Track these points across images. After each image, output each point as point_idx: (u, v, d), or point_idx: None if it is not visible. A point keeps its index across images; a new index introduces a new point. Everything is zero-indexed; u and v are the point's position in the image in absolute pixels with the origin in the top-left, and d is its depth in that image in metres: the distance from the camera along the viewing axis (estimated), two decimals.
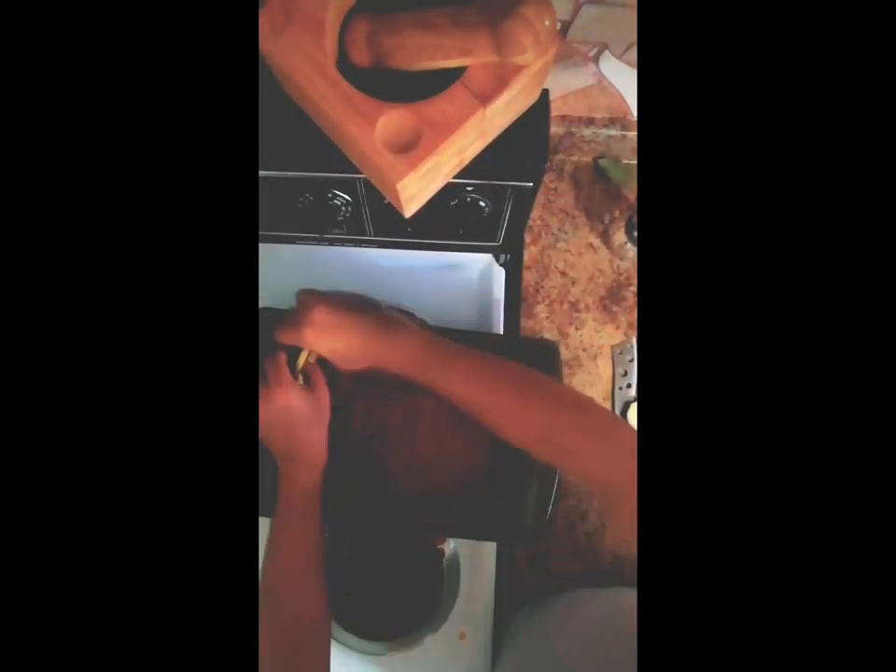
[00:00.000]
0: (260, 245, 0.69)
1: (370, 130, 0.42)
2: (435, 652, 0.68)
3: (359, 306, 0.56)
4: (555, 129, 0.76)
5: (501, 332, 0.75)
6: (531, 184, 0.56)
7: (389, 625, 0.68)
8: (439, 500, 0.66)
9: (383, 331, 0.55)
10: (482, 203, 0.59)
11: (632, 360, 0.76)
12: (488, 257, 0.77)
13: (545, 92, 0.51)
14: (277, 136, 0.49)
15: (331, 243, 0.72)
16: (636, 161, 0.80)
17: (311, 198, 0.59)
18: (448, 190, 0.53)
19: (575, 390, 0.62)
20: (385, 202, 0.50)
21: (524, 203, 0.60)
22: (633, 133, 0.77)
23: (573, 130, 0.77)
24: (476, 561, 0.70)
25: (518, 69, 0.43)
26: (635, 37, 0.63)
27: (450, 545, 0.70)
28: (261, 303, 0.63)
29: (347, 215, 0.62)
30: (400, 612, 0.69)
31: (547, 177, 0.82)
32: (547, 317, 0.79)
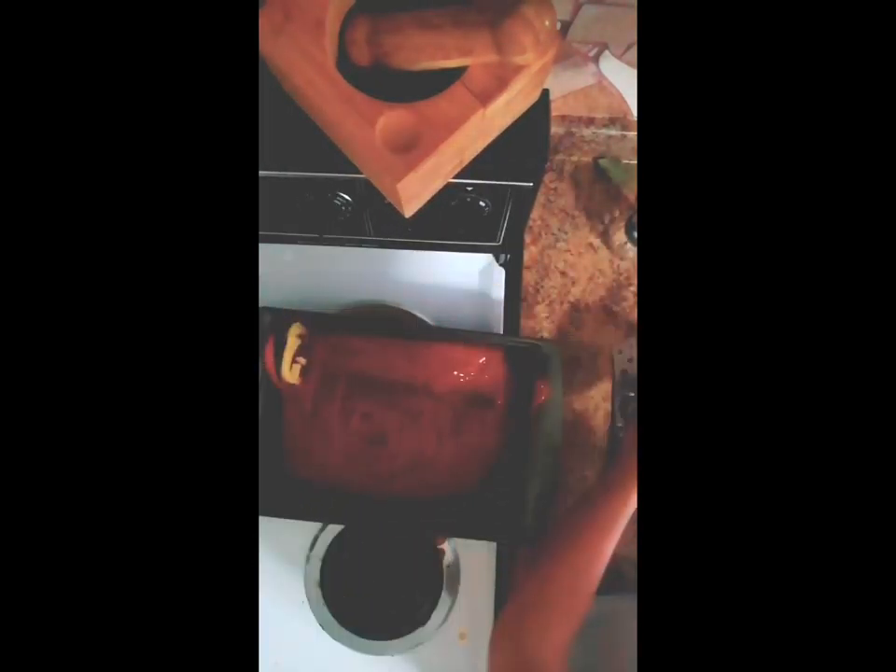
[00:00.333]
0: (260, 245, 0.69)
1: (370, 130, 0.42)
2: (435, 652, 0.68)
3: None
4: (555, 129, 0.76)
5: (501, 332, 0.75)
6: (531, 184, 0.56)
7: (389, 625, 0.68)
8: (439, 500, 0.66)
9: None
10: (482, 203, 0.59)
11: (632, 360, 0.76)
12: (488, 257, 0.77)
13: (545, 92, 0.51)
14: (277, 136, 0.49)
15: (331, 243, 0.72)
16: (636, 161, 0.80)
17: (311, 198, 0.59)
18: (448, 190, 0.53)
19: None
20: (385, 202, 0.50)
21: (524, 203, 0.60)
22: (633, 133, 0.77)
23: (573, 130, 0.77)
24: (476, 561, 0.70)
25: (518, 69, 0.43)
26: (635, 37, 0.63)
27: (450, 545, 0.70)
28: (261, 303, 0.63)
29: (347, 215, 0.62)
30: (400, 612, 0.69)
31: (547, 177, 0.82)
32: (547, 317, 0.79)
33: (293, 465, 0.66)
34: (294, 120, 0.47)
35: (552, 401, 0.66)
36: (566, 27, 0.62)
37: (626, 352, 0.77)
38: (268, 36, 0.42)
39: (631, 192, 0.81)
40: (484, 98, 0.42)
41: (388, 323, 0.72)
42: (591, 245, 0.81)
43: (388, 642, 0.68)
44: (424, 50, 0.43)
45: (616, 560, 0.73)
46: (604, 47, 0.67)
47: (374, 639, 0.68)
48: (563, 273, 0.80)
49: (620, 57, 0.68)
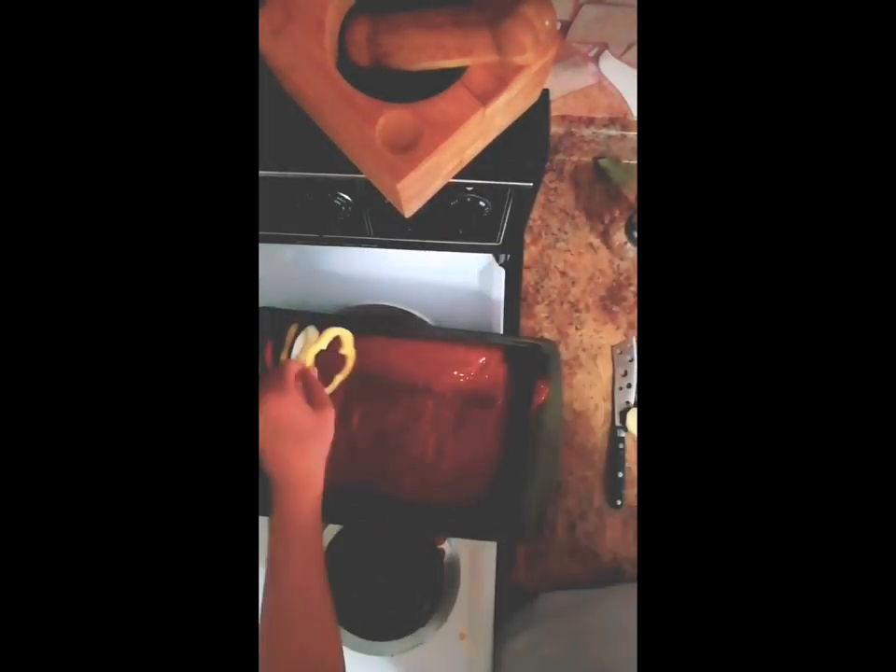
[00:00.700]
0: (260, 245, 0.69)
1: (370, 130, 0.42)
2: (435, 652, 0.68)
3: None
4: (555, 129, 0.76)
5: (501, 332, 0.75)
6: (531, 184, 0.56)
7: (389, 625, 0.68)
8: (439, 500, 0.66)
9: None
10: (482, 203, 0.59)
11: (632, 360, 0.76)
12: (488, 257, 0.77)
13: (545, 92, 0.51)
14: (277, 136, 0.49)
15: (331, 243, 0.72)
16: (636, 161, 0.80)
17: (311, 198, 0.59)
18: (448, 190, 0.53)
19: None
20: (385, 202, 0.50)
21: (524, 203, 0.60)
22: (633, 133, 0.77)
23: (573, 130, 0.77)
24: (476, 561, 0.70)
25: (518, 69, 0.43)
26: (635, 37, 0.63)
27: (450, 545, 0.70)
28: (261, 303, 0.63)
29: (347, 215, 0.62)
30: (400, 612, 0.69)
31: (547, 177, 0.82)
32: (547, 317, 0.79)
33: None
34: (294, 120, 0.47)
35: (552, 401, 0.66)
36: (566, 27, 0.62)
37: (626, 352, 0.77)
38: (268, 36, 0.42)
39: (631, 192, 0.81)
40: (484, 98, 0.42)
41: (388, 323, 0.72)
42: (591, 244, 0.81)
43: (388, 642, 0.68)
44: (424, 50, 0.43)
45: (616, 559, 0.73)
46: (604, 47, 0.67)
47: (374, 639, 0.68)
48: (563, 273, 0.80)
49: (620, 57, 0.68)
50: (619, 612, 0.61)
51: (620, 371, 0.76)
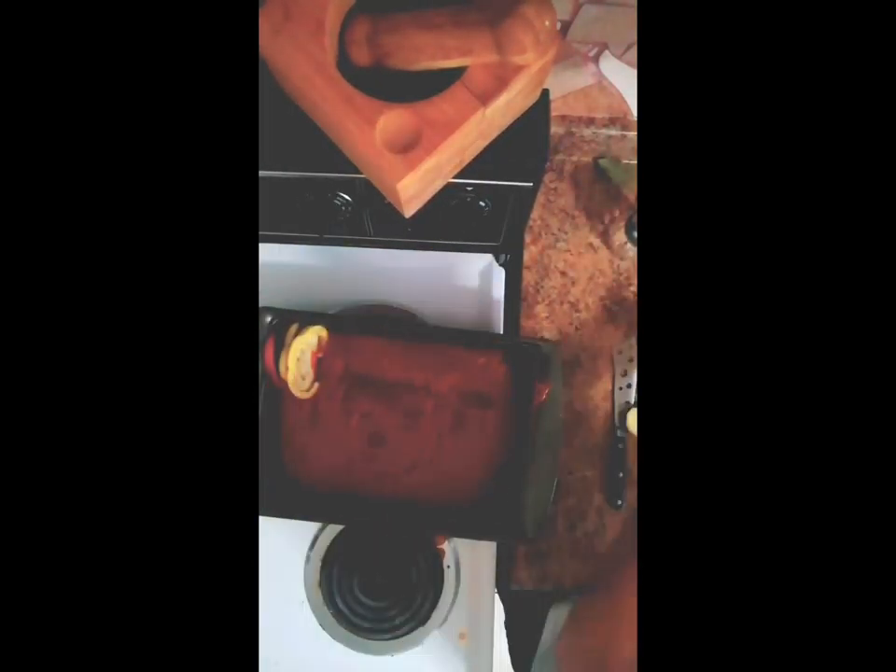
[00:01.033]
0: (260, 245, 0.69)
1: (370, 130, 0.42)
2: (435, 652, 0.68)
3: None
4: (555, 129, 0.76)
5: (501, 332, 0.75)
6: (531, 184, 0.56)
7: (389, 625, 0.68)
8: (439, 500, 0.66)
9: None
10: (482, 203, 0.59)
11: (632, 360, 0.76)
12: (488, 257, 0.77)
13: (545, 92, 0.51)
14: (277, 136, 0.49)
15: (331, 243, 0.72)
16: (636, 161, 0.80)
17: (311, 198, 0.59)
18: (448, 190, 0.53)
19: None
20: (385, 202, 0.50)
21: (524, 203, 0.60)
22: (633, 133, 0.77)
23: (573, 130, 0.77)
24: (476, 561, 0.70)
25: (518, 69, 0.43)
26: (635, 37, 0.63)
27: (450, 545, 0.70)
28: (261, 303, 0.63)
29: (347, 215, 0.62)
30: (400, 612, 0.69)
31: (547, 177, 0.82)
32: (547, 317, 0.79)
33: (293, 465, 0.66)
34: (294, 120, 0.47)
35: (551, 401, 0.66)
36: (566, 27, 0.62)
37: (626, 352, 0.77)
38: (268, 36, 0.42)
39: (631, 192, 0.81)
40: (484, 98, 0.42)
41: (388, 323, 0.72)
42: (591, 244, 0.81)
43: (388, 642, 0.68)
44: (424, 50, 0.43)
45: None
46: (604, 47, 0.67)
47: (374, 639, 0.68)
48: (563, 273, 0.80)
49: (620, 57, 0.68)
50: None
51: (620, 371, 0.76)
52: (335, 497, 0.66)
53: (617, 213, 0.81)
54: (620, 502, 0.73)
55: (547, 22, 0.40)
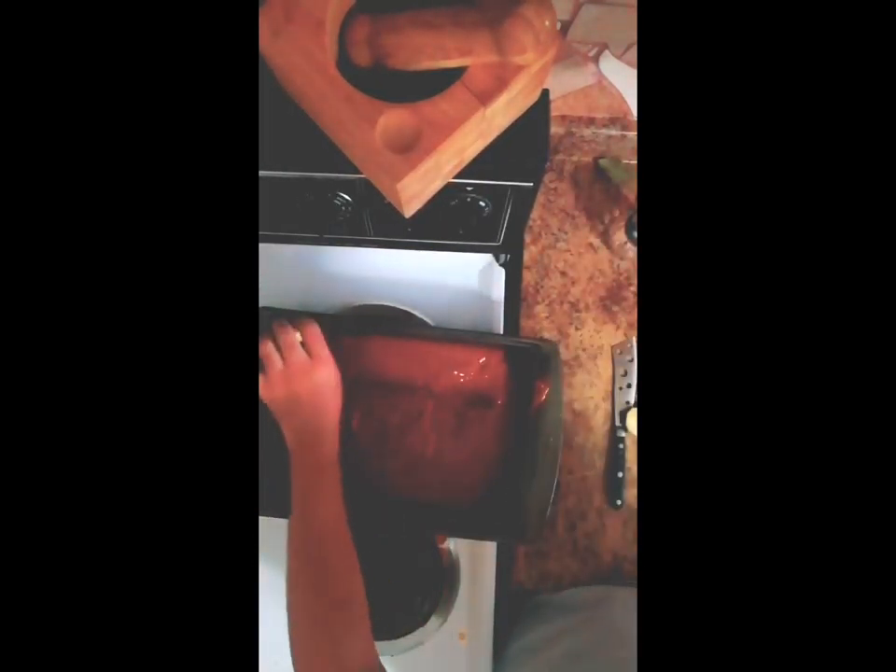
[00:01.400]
0: (260, 245, 0.69)
1: (370, 130, 0.42)
2: (435, 652, 0.68)
3: None
4: (555, 129, 0.76)
5: (501, 332, 0.75)
6: (531, 184, 0.56)
7: (389, 625, 0.68)
8: (439, 500, 0.66)
9: None
10: (482, 203, 0.59)
11: (632, 360, 0.76)
12: (488, 257, 0.77)
13: (545, 92, 0.51)
14: (277, 136, 0.49)
15: (331, 243, 0.72)
16: (636, 161, 0.80)
17: (311, 198, 0.59)
18: (448, 190, 0.53)
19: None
20: (385, 202, 0.50)
21: (524, 203, 0.60)
22: (633, 133, 0.77)
23: (573, 130, 0.77)
24: (476, 561, 0.70)
25: (518, 69, 0.43)
26: (635, 37, 0.63)
27: (450, 545, 0.70)
28: (261, 303, 0.63)
29: (347, 215, 0.62)
30: (400, 612, 0.68)
31: (547, 177, 0.82)
32: (547, 317, 0.79)
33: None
34: (294, 120, 0.47)
35: (551, 401, 0.66)
36: (566, 27, 0.62)
37: (626, 352, 0.77)
38: (268, 36, 0.42)
39: (631, 192, 0.81)
40: (484, 98, 0.42)
41: (388, 323, 0.72)
42: (591, 245, 0.81)
43: (388, 642, 0.68)
44: (424, 50, 0.43)
45: (616, 558, 0.73)
46: (604, 47, 0.67)
47: (374, 639, 0.68)
48: (563, 273, 0.80)
49: (620, 57, 0.68)
50: (605, 604, 0.61)
51: (620, 371, 0.76)
52: None
53: (617, 213, 0.81)
54: (620, 502, 0.73)
55: (547, 22, 0.40)
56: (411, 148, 0.42)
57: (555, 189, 0.82)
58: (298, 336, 0.60)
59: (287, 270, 0.75)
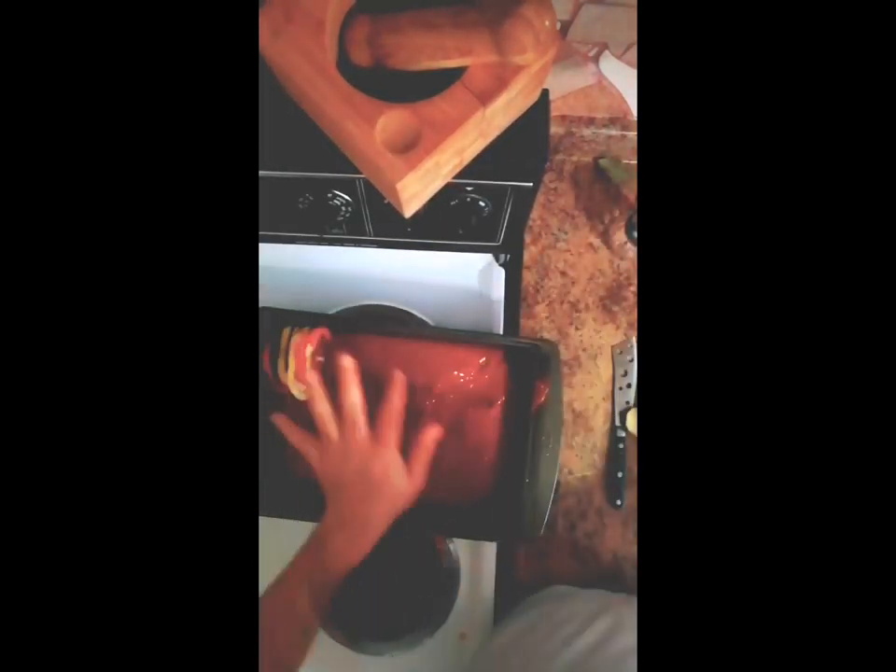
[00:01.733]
0: (260, 245, 0.69)
1: (370, 130, 0.42)
2: (435, 652, 0.68)
3: None
4: (555, 129, 0.76)
5: (501, 332, 0.75)
6: (531, 184, 0.56)
7: (389, 626, 0.68)
8: (438, 500, 0.66)
9: None
10: (482, 203, 0.59)
11: (632, 360, 0.76)
12: (488, 257, 0.77)
13: (545, 92, 0.51)
14: (277, 136, 0.49)
15: (331, 243, 0.72)
16: (636, 161, 0.80)
17: (311, 198, 0.59)
18: (448, 190, 0.53)
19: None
20: (385, 202, 0.50)
21: (524, 203, 0.60)
22: (633, 133, 0.77)
23: (573, 130, 0.77)
24: (476, 561, 0.70)
25: (518, 69, 0.43)
26: (635, 37, 0.63)
27: (450, 545, 0.70)
28: (261, 303, 0.63)
29: (347, 215, 0.62)
30: (400, 613, 0.68)
31: (547, 177, 0.82)
32: (547, 317, 0.79)
33: (293, 465, 0.66)
34: (294, 120, 0.47)
35: (552, 401, 0.66)
36: (566, 27, 0.62)
37: (626, 352, 0.77)
38: (268, 36, 0.42)
39: (631, 192, 0.81)
40: (484, 98, 0.42)
41: (388, 323, 0.72)
42: (591, 245, 0.81)
43: (388, 642, 0.68)
44: (424, 50, 0.43)
45: (616, 560, 0.73)
46: (604, 47, 0.67)
47: (374, 639, 0.68)
48: (563, 273, 0.80)
49: (620, 57, 0.68)
50: (612, 609, 0.61)
51: (620, 371, 0.76)
52: None
53: (617, 213, 0.81)
54: (619, 502, 0.73)
55: (547, 22, 0.40)
56: (411, 148, 0.42)
57: (555, 189, 0.82)
58: (356, 397, 0.55)
59: (287, 270, 0.75)
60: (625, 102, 0.74)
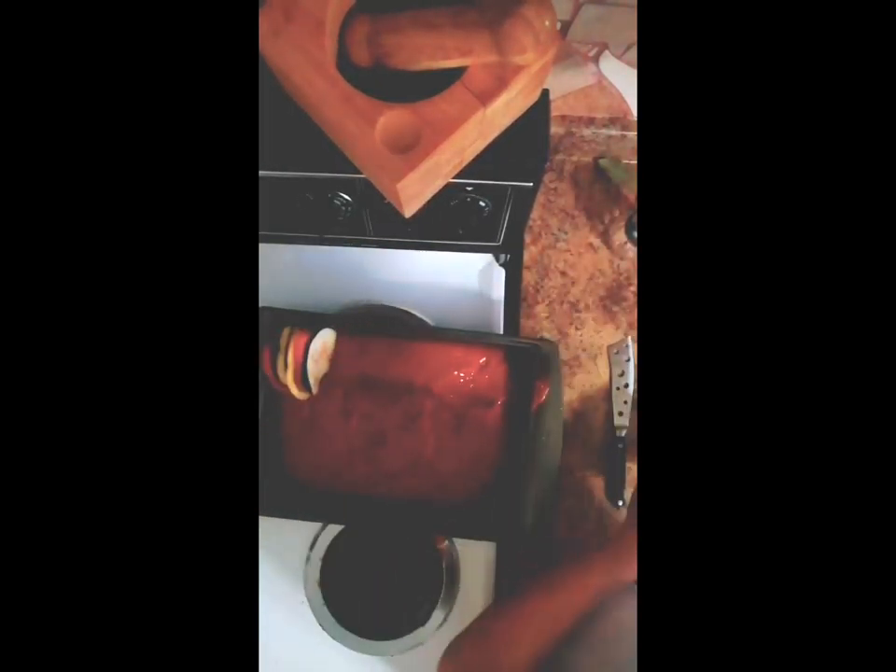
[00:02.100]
0: (260, 245, 0.69)
1: (370, 130, 0.42)
2: (435, 652, 0.68)
3: None
4: (555, 129, 0.76)
5: (501, 332, 0.75)
6: (531, 184, 0.56)
7: (389, 625, 0.68)
8: (439, 500, 0.66)
9: None
10: (482, 203, 0.59)
11: (629, 360, 0.76)
12: (488, 257, 0.77)
13: (545, 92, 0.51)
14: (277, 136, 0.49)
15: (331, 243, 0.72)
16: (636, 161, 0.80)
17: (311, 198, 0.59)
18: (448, 190, 0.53)
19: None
20: (385, 202, 0.50)
21: (524, 203, 0.60)
22: (633, 133, 0.77)
23: (573, 130, 0.77)
24: (476, 561, 0.70)
25: (518, 69, 0.43)
26: (635, 37, 0.63)
27: (450, 545, 0.70)
28: (261, 303, 0.63)
29: (347, 215, 0.62)
30: (400, 612, 0.69)
31: (547, 177, 0.82)
32: (547, 317, 0.79)
33: (293, 465, 0.66)
34: (294, 120, 0.47)
35: (552, 401, 0.66)
36: (566, 27, 0.62)
37: (623, 352, 0.77)
38: (268, 37, 0.42)
39: (631, 192, 0.81)
40: (484, 98, 0.42)
41: (388, 323, 0.72)
42: (591, 245, 0.81)
43: (388, 642, 0.68)
44: (424, 50, 0.43)
45: None
46: (604, 47, 0.67)
47: (374, 639, 0.68)
48: (563, 273, 0.80)
49: (620, 57, 0.68)
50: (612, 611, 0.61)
51: (617, 371, 0.76)
52: (335, 497, 0.66)
53: (617, 213, 0.81)
54: (620, 502, 0.73)
55: (547, 22, 0.40)
56: (411, 148, 0.42)
57: (555, 189, 0.82)
58: None
59: (287, 270, 0.75)
60: (625, 102, 0.74)
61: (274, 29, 0.42)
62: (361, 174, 0.50)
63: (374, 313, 0.73)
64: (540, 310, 0.79)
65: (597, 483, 0.75)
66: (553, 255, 0.80)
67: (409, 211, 0.50)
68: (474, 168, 0.50)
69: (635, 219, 0.72)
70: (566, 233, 0.81)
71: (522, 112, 0.50)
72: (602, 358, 0.77)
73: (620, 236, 0.77)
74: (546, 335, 0.78)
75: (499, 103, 0.43)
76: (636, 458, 0.74)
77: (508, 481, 0.66)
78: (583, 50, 0.68)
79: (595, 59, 0.69)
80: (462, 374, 0.67)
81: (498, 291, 0.76)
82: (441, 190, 0.51)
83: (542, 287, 0.79)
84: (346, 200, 0.60)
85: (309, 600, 0.68)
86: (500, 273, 0.76)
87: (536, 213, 0.81)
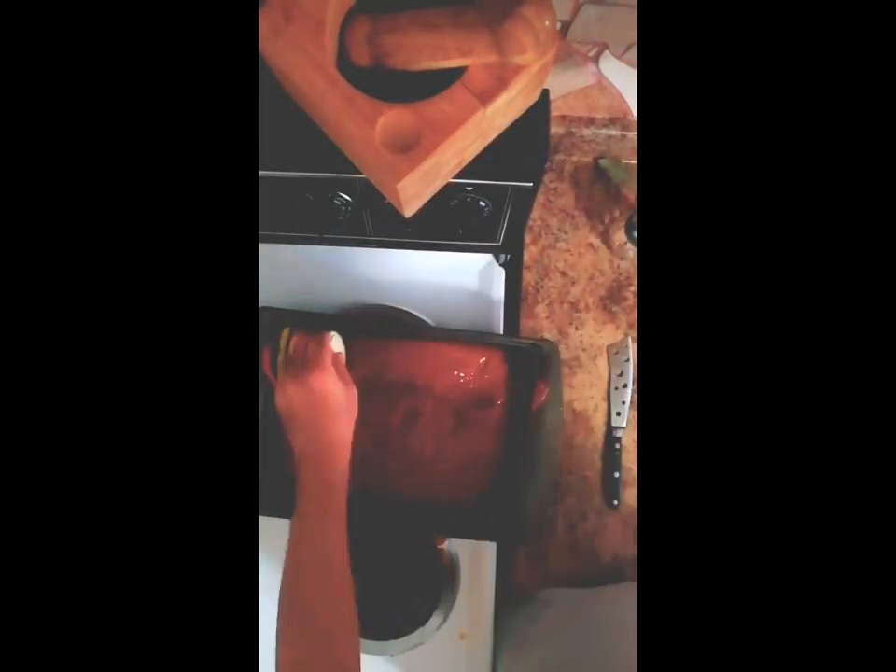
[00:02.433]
0: (260, 245, 0.69)
1: (370, 130, 0.42)
2: (435, 652, 0.68)
3: None
4: (555, 129, 0.76)
5: (501, 332, 0.75)
6: (531, 184, 0.56)
7: (389, 625, 0.68)
8: (439, 500, 0.66)
9: None
10: (482, 203, 0.59)
11: (628, 360, 0.76)
12: (488, 257, 0.77)
13: (545, 92, 0.51)
14: (277, 136, 0.49)
15: (331, 243, 0.72)
16: (636, 161, 0.80)
17: (311, 198, 0.59)
18: (448, 190, 0.53)
19: None
20: (385, 202, 0.50)
21: (524, 203, 0.60)
22: (633, 133, 0.77)
23: (573, 130, 0.77)
24: (476, 561, 0.70)
25: (518, 69, 0.43)
26: (635, 37, 0.63)
27: (450, 545, 0.70)
28: (261, 303, 0.63)
29: (347, 215, 0.62)
30: (400, 612, 0.68)
31: (547, 177, 0.82)
32: (547, 317, 0.79)
33: (293, 465, 0.66)
34: (294, 120, 0.47)
35: (552, 401, 0.66)
36: (566, 27, 0.62)
37: (622, 352, 0.77)
38: (268, 36, 0.42)
39: (631, 192, 0.81)
40: (484, 98, 0.42)
41: (388, 323, 0.72)
42: (591, 245, 0.81)
43: (388, 642, 0.68)
44: (424, 50, 0.43)
45: (616, 560, 0.73)
46: (604, 47, 0.67)
47: (374, 639, 0.68)
48: (563, 273, 0.80)
49: (620, 57, 0.68)
50: (621, 609, 0.61)
51: (616, 371, 0.76)
52: None
53: (617, 213, 0.81)
54: (616, 502, 0.73)
55: (547, 22, 0.40)
56: (411, 148, 0.42)
57: (555, 189, 0.82)
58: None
59: (287, 270, 0.75)
60: (625, 102, 0.74)
61: (274, 29, 0.42)
62: (361, 174, 0.50)
63: (374, 313, 0.73)
64: (540, 310, 0.79)
65: (597, 483, 0.75)
66: (552, 255, 0.80)
67: (409, 211, 0.50)
68: (474, 168, 0.50)
69: (635, 219, 0.72)
70: (566, 233, 0.81)
71: (522, 112, 0.50)
72: (602, 358, 0.77)
73: (620, 236, 0.77)
74: (546, 335, 0.78)
75: (499, 103, 0.43)
76: (633, 458, 0.74)
77: (508, 481, 0.66)
78: (583, 50, 0.68)
79: (595, 59, 0.69)
80: (462, 374, 0.67)
81: (498, 291, 0.76)
82: (441, 190, 0.51)
83: (542, 287, 0.79)
84: (346, 200, 0.60)
85: None
86: (500, 273, 0.76)
87: (536, 213, 0.81)
